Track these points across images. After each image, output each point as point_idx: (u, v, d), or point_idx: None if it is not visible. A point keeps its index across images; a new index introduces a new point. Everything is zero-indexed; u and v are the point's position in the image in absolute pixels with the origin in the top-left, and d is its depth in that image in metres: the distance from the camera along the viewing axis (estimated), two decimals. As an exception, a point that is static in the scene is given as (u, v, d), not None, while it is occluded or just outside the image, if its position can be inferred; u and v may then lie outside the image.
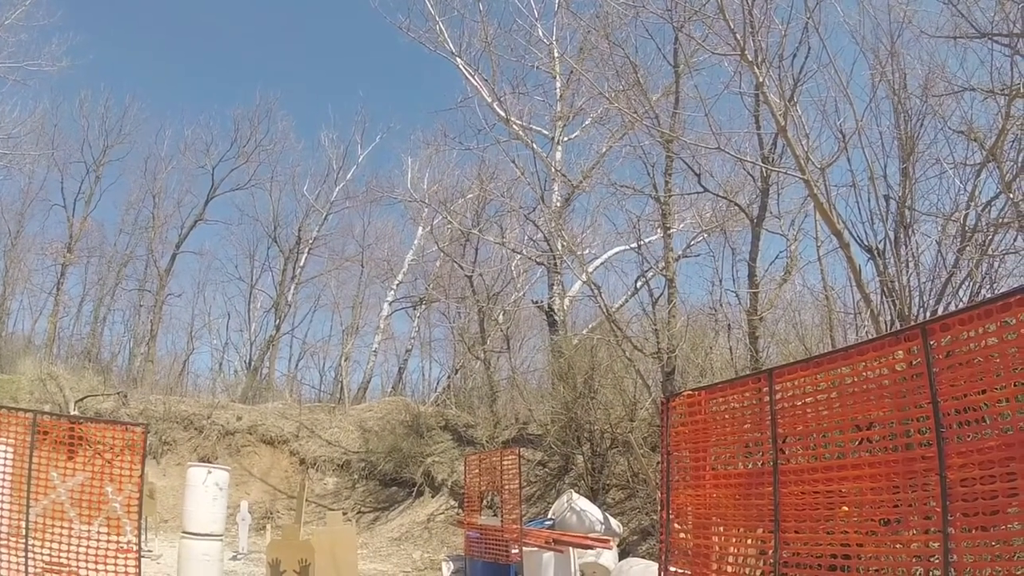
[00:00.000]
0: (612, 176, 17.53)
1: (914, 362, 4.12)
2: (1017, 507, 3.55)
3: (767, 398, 5.13)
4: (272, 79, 54.52)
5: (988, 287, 8.66)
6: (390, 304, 31.43)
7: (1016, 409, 3.66)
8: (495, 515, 11.54)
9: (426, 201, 23.35)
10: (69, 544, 6.23)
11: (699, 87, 13.57)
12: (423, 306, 31.81)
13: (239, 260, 36.21)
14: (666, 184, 13.04)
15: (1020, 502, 3.53)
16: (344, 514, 17.37)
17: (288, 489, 21.45)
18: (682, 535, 6.13)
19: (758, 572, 5.24)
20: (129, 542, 6.25)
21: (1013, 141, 9.12)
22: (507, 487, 10.61)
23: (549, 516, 11.50)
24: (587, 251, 20.10)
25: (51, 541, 6.25)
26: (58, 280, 32.27)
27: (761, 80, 9.65)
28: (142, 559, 12.93)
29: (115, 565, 6.23)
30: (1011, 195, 8.78)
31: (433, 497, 19.12)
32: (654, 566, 8.99)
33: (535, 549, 9.85)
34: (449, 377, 28.88)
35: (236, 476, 20.39)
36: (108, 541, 6.34)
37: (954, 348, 3.90)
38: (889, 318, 9.15)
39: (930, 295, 9.42)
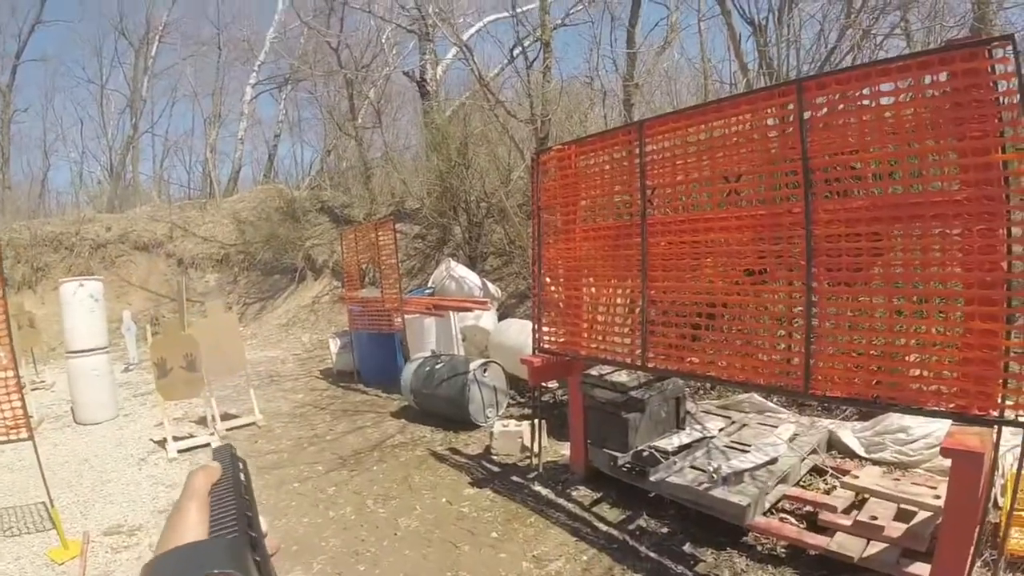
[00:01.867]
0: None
1: (787, 118, 3.95)
2: (881, 267, 3.62)
3: (637, 151, 4.92)
4: None
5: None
6: (253, 87, 29.12)
7: (886, 172, 3.63)
8: (373, 290, 11.45)
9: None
10: None
11: None
12: (289, 86, 29.80)
13: (86, 61, 32.55)
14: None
15: (884, 262, 3.60)
16: (227, 304, 16.99)
17: (169, 293, 20.73)
18: (553, 289, 6.10)
19: (627, 321, 5.28)
20: (4, 367, 5.62)
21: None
22: (385, 259, 10.38)
23: (429, 285, 11.53)
24: (461, 19, 18.84)
25: None
26: None
27: None
28: (33, 390, 12.44)
29: None
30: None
31: (316, 280, 18.93)
32: (530, 324, 9.25)
33: (416, 316, 9.91)
34: (321, 159, 27.75)
35: (115, 287, 19.59)
36: None
37: (829, 106, 3.78)
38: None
39: (807, 72, 9.28)
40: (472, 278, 11.14)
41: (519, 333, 8.86)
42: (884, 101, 3.55)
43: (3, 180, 29.01)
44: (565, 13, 15.94)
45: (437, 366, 8.29)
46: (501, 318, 10.51)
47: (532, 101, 11.53)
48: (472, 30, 19.12)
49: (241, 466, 0.80)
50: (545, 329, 6.16)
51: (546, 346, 6.12)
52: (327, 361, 12.72)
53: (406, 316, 9.96)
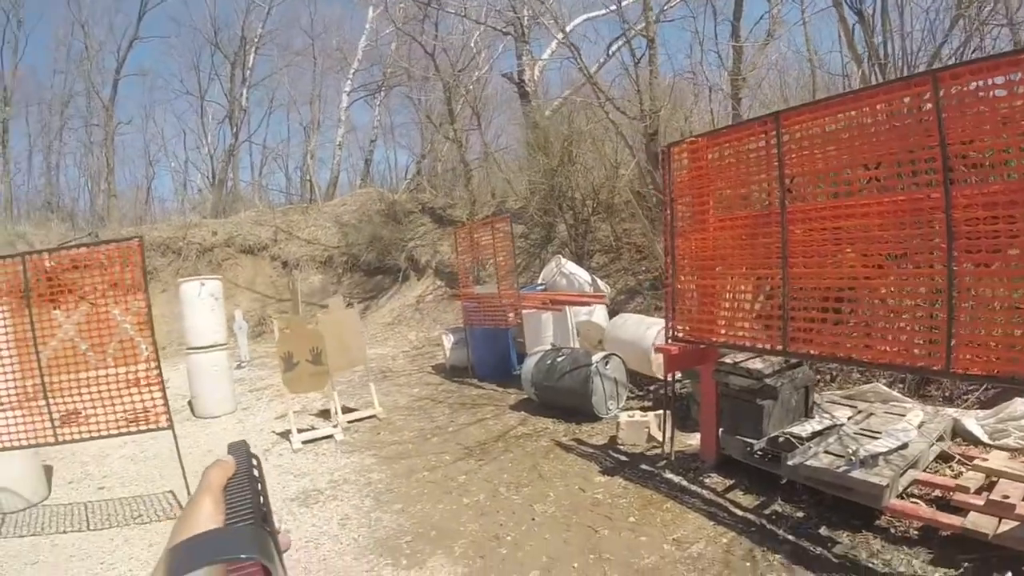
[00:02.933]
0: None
1: (923, 107, 4.16)
2: (1018, 248, 3.80)
3: (774, 141, 5.15)
4: None
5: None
6: (348, 95, 30.30)
7: (1020, 158, 3.79)
8: (487, 287, 11.88)
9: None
10: (88, 379, 6.20)
11: None
12: (383, 92, 30.88)
13: (183, 74, 34.38)
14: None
15: (1021, 243, 3.77)
16: (347, 301, 17.77)
17: (276, 294, 21.83)
18: (686, 278, 6.35)
19: (766, 307, 5.49)
20: (148, 360, 6.23)
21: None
22: (500, 255, 10.82)
23: (539, 282, 11.91)
24: (553, 21, 19.26)
25: (69, 383, 6.20)
26: (1, 137, 30.18)
27: None
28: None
29: (138, 389, 6.26)
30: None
31: (419, 280, 19.61)
32: (647, 318, 9.54)
33: (533, 311, 10.30)
34: (418, 162, 28.67)
35: (224, 289, 20.25)
36: (127, 367, 6.22)
37: (963, 96, 3.96)
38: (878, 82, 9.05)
39: (917, 64, 9.29)
40: (582, 274, 11.47)
41: (636, 327, 9.15)
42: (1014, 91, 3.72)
43: (109, 189, 31.11)
44: (660, 8, 16.11)
45: (559, 359, 8.64)
46: (612, 314, 10.79)
47: (641, 97, 11.76)
48: (569, 27, 19.43)
49: (255, 462, 0.83)
50: (679, 318, 6.39)
51: (680, 335, 6.36)
52: (438, 357, 13.24)
53: (523, 312, 10.34)
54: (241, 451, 0.86)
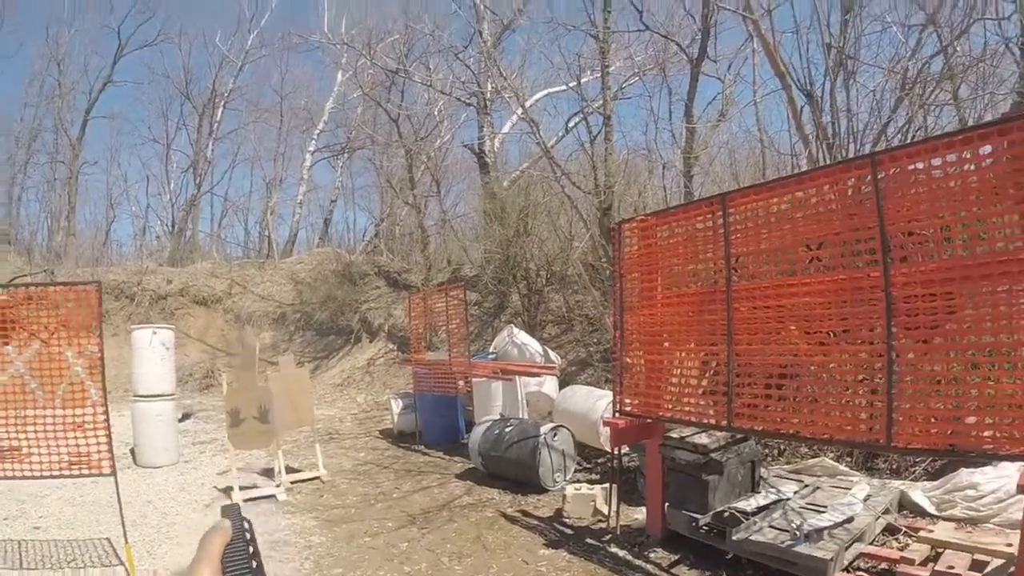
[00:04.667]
0: (545, 13, 17.07)
1: (863, 188, 4.34)
2: (955, 323, 3.94)
3: (720, 221, 5.27)
4: None
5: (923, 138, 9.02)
6: (312, 154, 30.46)
7: (957, 236, 4.02)
8: (438, 353, 11.78)
9: (348, 43, 22.17)
10: (33, 418, 5.97)
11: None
12: (346, 154, 31.07)
13: (152, 121, 34.29)
14: (605, 21, 12.67)
15: (958, 319, 3.93)
16: (299, 360, 17.43)
17: (226, 347, 21.43)
18: (632, 353, 6.37)
19: (711, 382, 5.53)
20: (96, 404, 6.05)
21: (953, 6, 9.30)
22: (453, 322, 10.76)
23: (491, 350, 11.84)
24: (515, 95, 19.84)
25: (15, 419, 6.00)
26: None
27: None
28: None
29: (83, 433, 6.07)
30: (949, 56, 9.02)
31: (371, 342, 19.40)
32: (595, 390, 9.53)
33: (483, 379, 10.20)
34: (376, 225, 28.67)
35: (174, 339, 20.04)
36: (74, 410, 6.10)
37: (900, 178, 4.16)
38: (826, 161, 9.41)
39: (864, 142, 9.68)
40: (534, 345, 11.44)
41: (585, 399, 9.14)
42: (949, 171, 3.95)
43: (69, 227, 30.56)
44: (619, 85, 16.59)
45: (507, 429, 8.53)
46: (562, 385, 10.75)
47: (596, 172, 11.99)
48: (529, 102, 19.92)
49: (248, 526, 0.86)
50: (626, 392, 6.39)
51: (628, 408, 6.35)
52: (385, 422, 13.01)
53: (473, 380, 10.25)
54: (235, 515, 0.87)
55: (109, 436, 5.92)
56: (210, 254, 28.40)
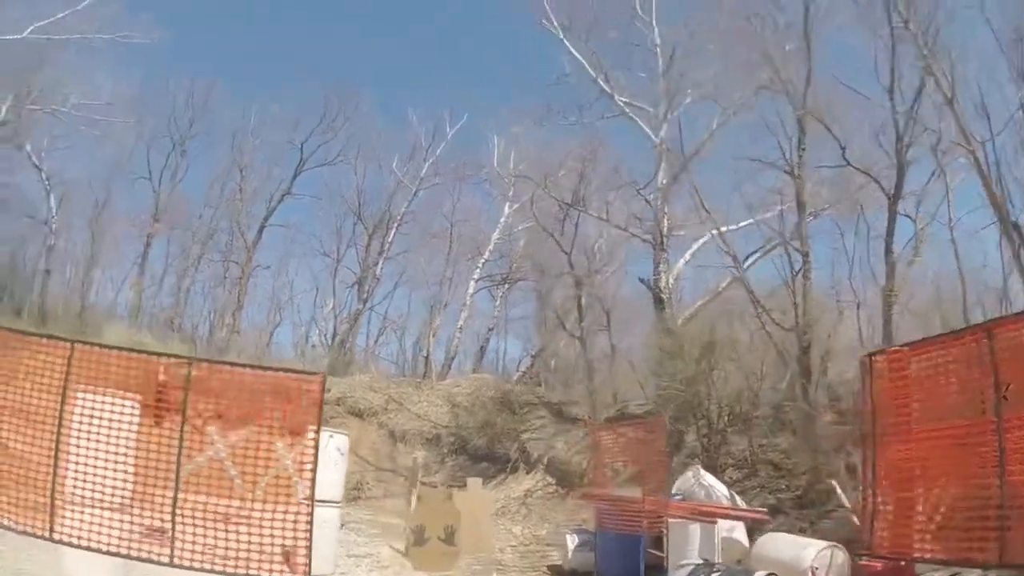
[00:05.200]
0: (726, 150, 17.49)
1: None
2: None
3: (986, 351, 5.05)
4: (360, 56, 54.08)
5: None
6: (476, 282, 31.58)
7: None
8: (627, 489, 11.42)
9: (524, 175, 23.39)
10: (229, 506, 5.94)
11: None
12: (507, 285, 32.04)
13: (324, 236, 36.68)
14: (799, 157, 12.82)
15: None
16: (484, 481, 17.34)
17: (376, 462, 21.77)
18: (883, 491, 6.05)
19: (977, 518, 5.14)
20: (299, 504, 5.99)
21: None
22: (650, 458, 10.53)
23: (674, 491, 11.44)
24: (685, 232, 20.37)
25: (205, 507, 5.92)
26: (144, 250, 33.23)
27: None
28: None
29: (283, 533, 6.02)
30: None
31: (528, 473, 19.21)
32: (799, 538, 9.04)
33: (680, 521, 9.78)
34: (533, 356, 29.02)
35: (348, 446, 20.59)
36: (276, 503, 6.00)
37: None
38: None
39: None
40: (720, 488, 11.06)
41: (791, 547, 8.75)
42: None
43: (234, 324, 32.89)
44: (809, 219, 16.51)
45: (713, 574, 8.12)
46: (751, 533, 10.25)
47: (797, 309, 11.78)
48: (702, 239, 20.23)
49: None
50: (878, 532, 6.03)
51: (881, 550, 5.97)
52: (552, 557, 12.67)
53: (670, 520, 9.89)
54: None
55: (310, 539, 5.82)
56: (367, 368, 29.34)
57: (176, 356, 6.51)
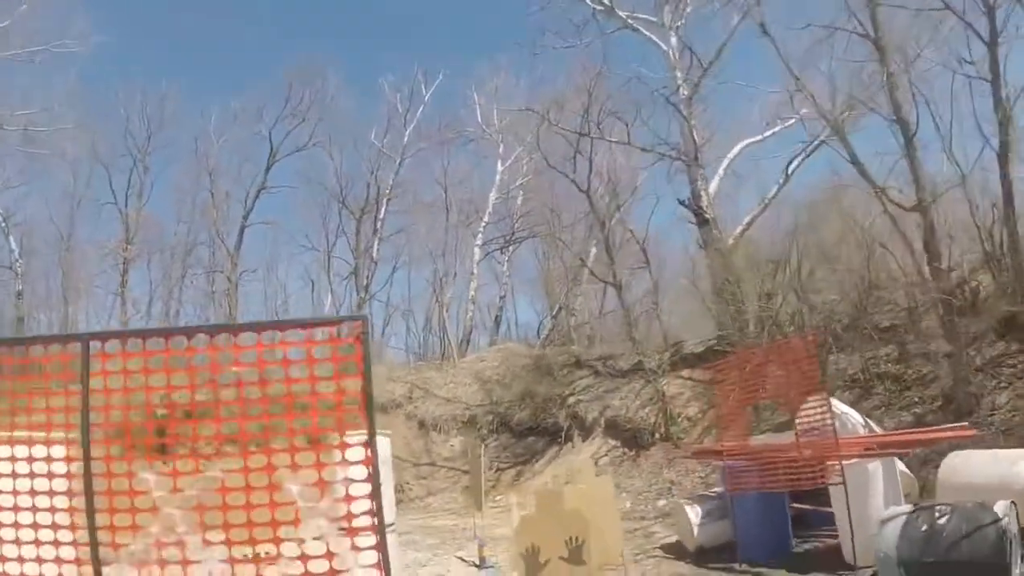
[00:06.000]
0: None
1: None
2: None
3: None
4: (317, 35, 50.49)
5: None
6: (481, 247, 29.06)
7: None
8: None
9: (532, 109, 20.82)
10: None
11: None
12: (513, 246, 29.66)
13: (309, 229, 33.98)
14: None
15: None
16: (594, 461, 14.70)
17: (412, 457, 19.45)
18: None
19: None
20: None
21: None
22: (801, 390, 7.88)
23: (800, 427, 9.01)
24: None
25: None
26: (121, 279, 30.50)
27: None
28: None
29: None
30: None
31: (586, 440, 16.85)
32: (999, 452, 7.33)
33: (857, 462, 7.37)
34: (554, 316, 26.45)
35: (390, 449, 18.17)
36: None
37: None
38: None
39: None
40: (854, 415, 8.67)
41: (991, 464, 6.84)
42: None
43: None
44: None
45: (939, 521, 5.77)
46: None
47: (918, 183, 9.35)
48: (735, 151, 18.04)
49: None
50: None
51: None
52: (657, 534, 10.35)
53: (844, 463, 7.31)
54: None
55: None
56: (380, 359, 26.73)
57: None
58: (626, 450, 15.19)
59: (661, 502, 12.23)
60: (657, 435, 14.43)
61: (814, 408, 8.89)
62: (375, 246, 30.83)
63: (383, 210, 31.01)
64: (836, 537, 8.22)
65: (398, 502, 17.88)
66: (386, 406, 20.60)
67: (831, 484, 7.24)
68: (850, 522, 6.99)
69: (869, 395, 11.04)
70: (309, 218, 33.91)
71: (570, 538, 5.33)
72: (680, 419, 14.10)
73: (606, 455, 15.69)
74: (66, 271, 29.66)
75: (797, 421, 7.86)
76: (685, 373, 15.52)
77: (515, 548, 5.19)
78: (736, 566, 8.11)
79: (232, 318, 30.30)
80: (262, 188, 32.32)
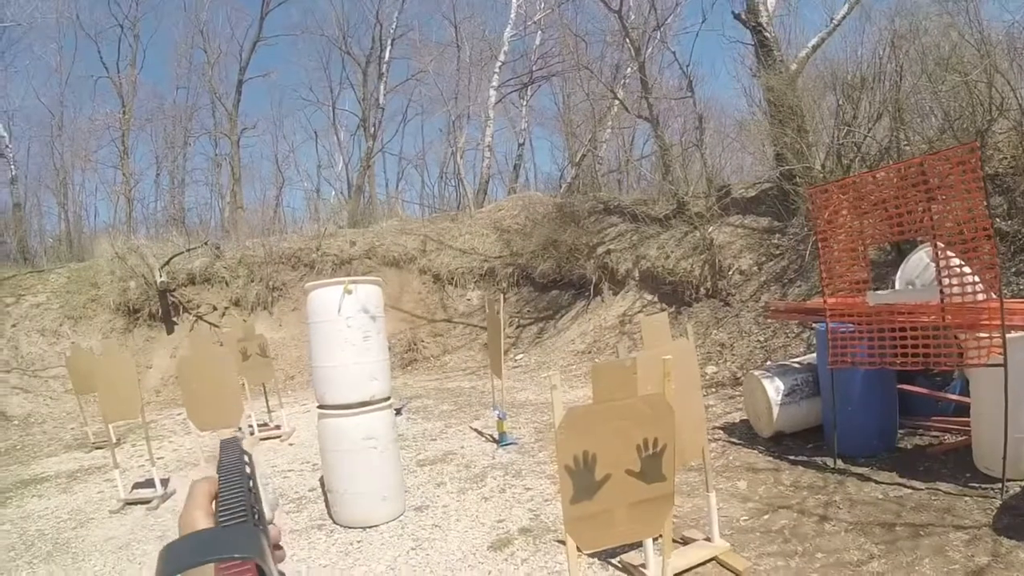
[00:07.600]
0: None
1: None
2: None
3: None
4: None
5: None
6: (497, 90, 26.03)
7: None
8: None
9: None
10: None
11: None
12: (532, 87, 26.71)
13: (312, 81, 31.50)
14: None
15: None
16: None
17: (427, 312, 17.63)
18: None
19: None
20: None
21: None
22: (952, 222, 5.47)
23: (904, 285, 6.72)
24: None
25: None
26: (122, 149, 28.18)
27: None
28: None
29: None
30: None
31: (617, 295, 14.82)
32: None
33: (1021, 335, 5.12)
34: (578, 162, 23.82)
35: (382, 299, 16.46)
36: None
37: None
38: None
39: None
40: (966, 269, 6.34)
41: None
42: None
43: (235, 200, 28.19)
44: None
45: None
46: None
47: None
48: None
49: (248, 459, 0.80)
50: None
51: None
52: (713, 409, 8.42)
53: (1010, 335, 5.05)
54: (233, 448, 0.83)
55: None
56: (394, 213, 24.54)
57: None
58: (664, 306, 13.13)
59: (711, 368, 10.28)
60: (703, 290, 12.32)
61: (920, 262, 6.70)
62: (381, 90, 27.73)
63: (387, 52, 27.77)
64: (956, 431, 6.27)
65: (411, 361, 16.34)
66: (398, 260, 18.66)
67: (988, 365, 5.05)
68: (1005, 418, 4.88)
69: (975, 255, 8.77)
70: (311, 69, 31.67)
71: (645, 441, 3.17)
72: (731, 272, 11.90)
73: (640, 310, 13.67)
74: (61, 151, 27.98)
75: (943, 272, 5.57)
76: (735, 220, 13.21)
77: (558, 457, 3.02)
78: (829, 462, 6.13)
79: (235, 178, 28.15)
80: (257, 40, 29.24)
